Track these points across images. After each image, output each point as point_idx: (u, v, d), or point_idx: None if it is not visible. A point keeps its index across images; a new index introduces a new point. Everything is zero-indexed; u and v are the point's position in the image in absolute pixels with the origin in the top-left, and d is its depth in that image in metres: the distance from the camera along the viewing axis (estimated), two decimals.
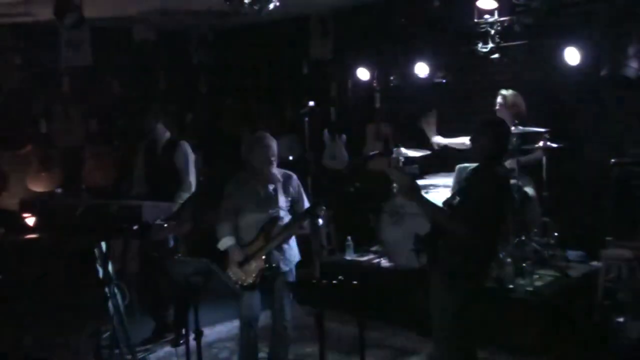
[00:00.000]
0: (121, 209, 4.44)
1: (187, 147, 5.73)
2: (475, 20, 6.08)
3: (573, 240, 5.99)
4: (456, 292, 3.81)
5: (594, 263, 5.70)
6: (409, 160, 6.18)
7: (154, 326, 5.77)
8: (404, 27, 6.72)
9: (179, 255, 5.46)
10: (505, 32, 5.99)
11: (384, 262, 6.21)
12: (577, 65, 5.68)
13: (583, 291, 5.45)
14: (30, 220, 5.68)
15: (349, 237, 6.73)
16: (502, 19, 5.96)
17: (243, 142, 8.17)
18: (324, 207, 4.41)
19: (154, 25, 8.39)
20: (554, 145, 5.61)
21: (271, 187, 4.60)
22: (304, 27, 8.14)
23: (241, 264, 4.46)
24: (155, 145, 5.71)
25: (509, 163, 5.53)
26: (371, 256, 6.62)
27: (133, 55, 8.33)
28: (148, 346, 5.57)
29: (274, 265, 4.52)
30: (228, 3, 5.29)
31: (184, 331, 4.76)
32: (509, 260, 5.42)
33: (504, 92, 5.94)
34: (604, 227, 5.50)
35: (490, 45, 6.02)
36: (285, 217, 4.60)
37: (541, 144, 5.62)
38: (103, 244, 4.77)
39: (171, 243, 5.42)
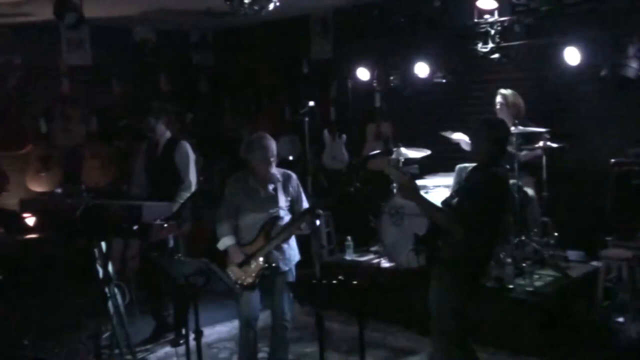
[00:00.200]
0: (121, 209, 4.45)
1: (187, 146, 5.73)
2: (475, 20, 6.08)
3: (573, 240, 5.99)
4: (456, 291, 3.81)
5: (594, 263, 5.70)
6: (409, 160, 6.17)
7: (154, 326, 5.77)
8: (404, 27, 6.72)
9: (179, 255, 5.45)
10: (505, 32, 5.99)
11: (384, 262, 6.21)
12: (577, 65, 5.68)
13: (583, 291, 5.45)
14: (30, 220, 5.68)
15: (349, 237, 6.73)
16: (502, 19, 5.96)
17: (243, 142, 8.21)
18: (322, 210, 4.43)
19: (154, 25, 8.40)
20: (554, 145, 5.61)
21: (271, 186, 4.60)
22: (304, 27, 8.14)
23: (241, 264, 4.46)
24: (155, 145, 5.71)
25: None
26: (371, 256, 6.62)
27: (133, 55, 8.34)
28: (148, 346, 5.57)
29: (273, 265, 4.52)
30: (228, 3, 5.29)
31: (184, 331, 4.76)
32: (509, 260, 5.42)
33: (504, 91, 5.94)
34: (604, 227, 5.50)
35: (490, 45, 6.02)
36: (285, 217, 4.60)
37: (541, 143, 5.62)
38: (103, 244, 4.77)
39: (171, 243, 5.41)
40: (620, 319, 5.01)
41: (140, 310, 5.79)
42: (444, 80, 6.61)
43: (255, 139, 4.61)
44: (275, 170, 4.63)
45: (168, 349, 5.55)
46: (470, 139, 3.94)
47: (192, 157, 5.71)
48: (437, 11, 6.27)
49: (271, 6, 5.26)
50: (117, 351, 4.84)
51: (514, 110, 5.85)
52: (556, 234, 5.79)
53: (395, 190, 6.08)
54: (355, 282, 3.37)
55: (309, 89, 7.81)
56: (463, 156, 5.60)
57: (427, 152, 6.19)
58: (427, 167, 6.52)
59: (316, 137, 7.55)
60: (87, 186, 7.39)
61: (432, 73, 6.60)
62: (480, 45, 6.08)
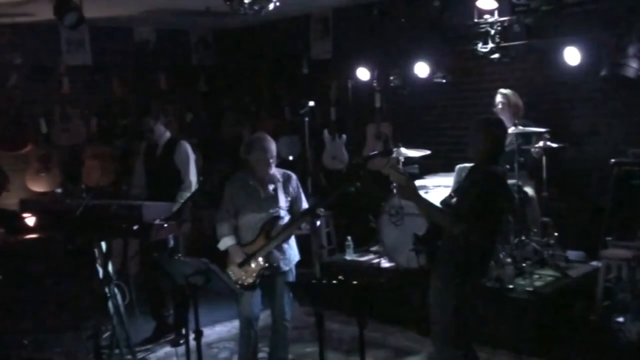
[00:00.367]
0: (121, 209, 4.45)
1: (187, 146, 5.73)
2: (475, 20, 6.08)
3: (573, 240, 5.99)
4: (456, 290, 3.81)
5: (594, 263, 5.69)
6: (409, 160, 6.17)
7: (155, 326, 5.77)
8: (404, 27, 6.72)
9: (179, 255, 5.45)
10: (505, 32, 5.99)
11: (384, 262, 6.21)
12: (577, 65, 5.68)
13: (583, 291, 5.44)
14: (30, 220, 5.67)
15: (349, 237, 6.73)
16: (502, 19, 5.96)
17: (243, 142, 8.21)
18: (324, 210, 4.43)
19: (154, 25, 8.40)
20: (554, 145, 5.61)
21: (271, 187, 4.60)
22: (304, 27, 8.14)
23: (241, 264, 4.46)
24: (155, 145, 5.71)
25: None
26: (371, 256, 6.62)
27: (133, 55, 8.34)
28: (148, 346, 5.58)
29: (274, 265, 4.53)
30: (228, 3, 5.29)
31: (184, 331, 4.75)
32: (509, 260, 5.42)
33: (504, 91, 5.94)
34: (604, 227, 5.50)
35: (490, 45, 6.02)
36: (286, 217, 4.60)
37: (541, 143, 5.62)
38: (103, 244, 4.77)
39: (171, 243, 5.41)
40: (620, 319, 5.00)
41: (140, 310, 5.79)
42: (444, 80, 6.61)
43: (255, 140, 4.61)
44: (275, 171, 4.63)
45: (168, 349, 5.55)
46: (469, 139, 3.94)
47: (192, 157, 5.71)
48: (437, 11, 6.27)
49: (271, 6, 5.26)
50: (117, 351, 4.84)
51: (514, 109, 5.86)
52: (556, 234, 5.79)
53: (394, 191, 6.07)
54: (355, 282, 3.36)
55: (309, 89, 7.82)
56: (463, 156, 5.60)
57: (427, 152, 6.19)
58: (427, 167, 6.52)
59: (316, 137, 7.55)
60: (87, 186, 7.40)
61: (432, 73, 6.60)
62: (480, 45, 6.08)
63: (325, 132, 7.70)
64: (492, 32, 5.99)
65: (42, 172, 7.46)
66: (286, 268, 4.61)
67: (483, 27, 6.04)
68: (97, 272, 4.76)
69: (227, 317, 6.04)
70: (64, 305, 6.13)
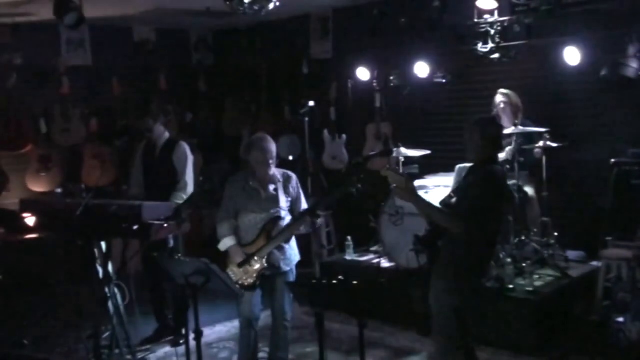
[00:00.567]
0: (121, 209, 4.45)
1: (186, 147, 5.72)
2: (475, 20, 6.08)
3: (573, 240, 5.99)
4: (456, 290, 3.81)
5: (594, 263, 5.69)
6: (409, 160, 6.17)
7: (157, 326, 5.77)
8: (404, 27, 6.72)
9: (179, 255, 5.45)
10: (505, 32, 5.99)
11: (384, 262, 6.21)
12: (577, 65, 5.68)
13: (583, 291, 5.45)
14: (30, 220, 5.66)
15: (349, 237, 6.73)
16: (502, 19, 5.96)
17: (243, 142, 8.21)
18: (323, 211, 4.43)
19: (154, 25, 8.40)
20: (554, 144, 5.61)
21: (272, 187, 4.60)
22: (304, 27, 8.14)
23: (241, 264, 4.46)
24: (153, 145, 5.70)
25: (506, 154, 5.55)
26: (371, 256, 6.62)
27: (133, 55, 8.34)
28: (148, 346, 5.57)
29: (274, 265, 4.53)
30: (228, 3, 5.28)
31: (184, 331, 4.75)
32: (509, 260, 5.42)
33: (505, 91, 5.94)
34: (604, 227, 5.50)
35: (490, 45, 6.02)
36: (286, 217, 4.60)
37: (541, 143, 5.62)
38: (103, 244, 4.77)
39: (171, 243, 5.41)
40: (620, 319, 5.00)
41: (140, 310, 5.79)
42: (444, 80, 6.61)
43: (255, 140, 4.61)
44: (276, 171, 4.63)
45: (168, 349, 5.55)
46: (465, 140, 3.95)
47: (190, 158, 5.69)
48: (437, 11, 6.27)
49: (271, 6, 5.26)
50: (117, 351, 4.84)
51: (515, 109, 5.87)
52: (556, 234, 5.79)
53: (394, 192, 6.07)
54: (355, 282, 3.36)
55: (309, 89, 7.81)
56: (463, 156, 5.60)
57: (427, 152, 6.19)
58: (427, 167, 6.52)
59: (316, 137, 7.55)
60: (87, 186, 7.40)
61: (432, 73, 6.60)
62: (480, 45, 6.07)
63: (325, 132, 7.70)
64: (492, 32, 5.98)
65: (42, 172, 7.46)
66: (287, 268, 4.61)
67: (483, 27, 6.04)
68: (97, 272, 4.76)
69: (227, 317, 6.04)
70: (64, 305, 6.14)
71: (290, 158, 7.60)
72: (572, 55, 5.65)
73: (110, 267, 4.75)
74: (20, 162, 7.45)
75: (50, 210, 4.93)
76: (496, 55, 6.05)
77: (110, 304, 4.73)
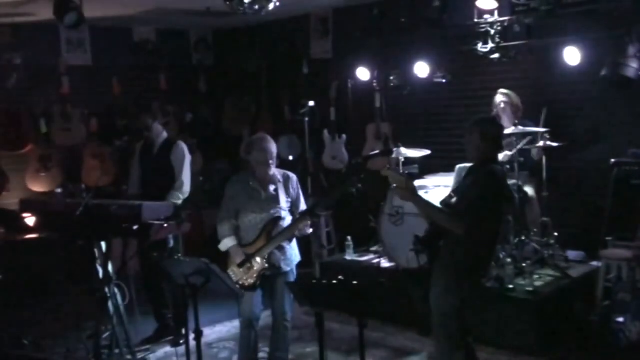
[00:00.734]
0: (121, 209, 4.45)
1: (184, 147, 5.72)
2: (475, 20, 6.08)
3: (573, 240, 5.99)
4: (456, 291, 3.82)
5: (594, 263, 5.69)
6: (409, 160, 6.17)
7: (157, 326, 5.77)
8: (404, 27, 6.72)
9: (179, 255, 5.45)
10: (505, 32, 5.99)
11: (384, 262, 6.21)
12: (577, 65, 5.68)
13: (583, 291, 5.45)
14: (30, 220, 5.67)
15: (349, 237, 6.73)
16: (502, 19, 5.96)
17: (243, 142, 8.22)
18: (324, 212, 4.43)
19: (154, 25, 8.40)
20: (554, 144, 5.61)
21: (272, 187, 4.60)
22: (304, 27, 8.14)
23: (241, 264, 4.46)
24: (151, 144, 5.70)
25: (505, 156, 5.55)
26: (371, 256, 6.61)
27: (133, 55, 8.34)
28: (148, 346, 5.57)
29: (275, 265, 4.52)
30: (228, 3, 5.28)
31: (184, 331, 4.75)
32: (509, 260, 5.42)
33: (505, 91, 5.94)
34: (604, 227, 5.50)
35: (490, 45, 6.01)
36: (287, 218, 4.60)
37: (541, 143, 5.62)
38: (103, 244, 4.77)
39: (171, 243, 5.41)
40: (620, 319, 5.00)
41: (140, 310, 5.79)
42: (444, 80, 6.60)
43: (256, 141, 4.61)
44: (276, 171, 4.63)
45: (168, 349, 5.55)
46: (465, 140, 3.95)
47: (188, 157, 5.69)
48: (437, 11, 6.27)
49: (271, 6, 5.26)
50: (117, 351, 4.84)
51: (515, 109, 5.87)
52: (556, 234, 5.79)
53: (394, 191, 6.07)
54: (355, 282, 3.36)
55: (309, 89, 7.81)
56: (463, 156, 5.60)
57: (427, 152, 6.19)
58: (427, 167, 6.52)
59: (316, 137, 7.55)
60: (87, 186, 7.40)
61: (432, 73, 6.60)
62: (480, 45, 6.07)
63: (325, 132, 7.70)
64: (492, 32, 5.98)
65: (42, 172, 7.46)
66: (287, 268, 4.61)
67: (483, 27, 6.04)
68: (97, 272, 4.76)
69: (227, 317, 6.04)
70: (64, 305, 6.15)
71: (290, 158, 7.60)
72: (572, 55, 5.65)
73: (110, 267, 4.75)
74: (20, 162, 7.46)
75: (50, 210, 4.93)
76: (496, 55, 6.05)
77: (110, 304, 4.73)
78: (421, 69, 6.60)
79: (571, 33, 5.69)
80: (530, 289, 5.24)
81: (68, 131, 7.65)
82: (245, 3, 5.19)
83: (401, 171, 5.61)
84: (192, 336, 3.97)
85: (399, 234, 5.84)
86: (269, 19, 7.62)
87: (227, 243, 4.55)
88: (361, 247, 6.81)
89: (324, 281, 3.63)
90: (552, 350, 5.00)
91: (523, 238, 5.69)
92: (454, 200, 3.90)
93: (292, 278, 4.61)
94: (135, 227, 4.32)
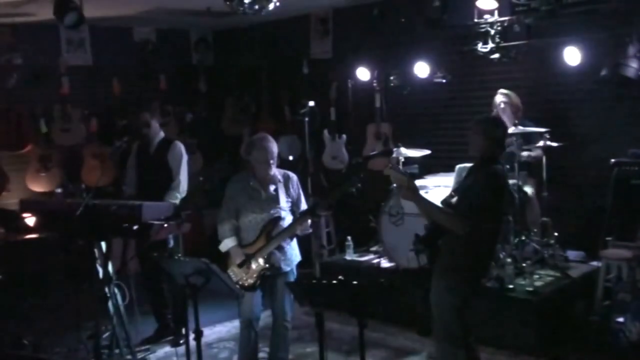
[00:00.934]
0: (121, 208, 4.44)
1: (181, 146, 5.72)
2: (475, 20, 6.07)
3: (573, 240, 5.99)
4: (457, 291, 3.82)
5: (594, 263, 5.69)
6: (409, 160, 6.17)
7: (157, 326, 5.77)
8: (404, 27, 6.72)
9: (179, 255, 5.45)
10: (505, 32, 5.98)
11: (384, 262, 6.21)
12: (577, 65, 5.68)
13: (583, 291, 5.45)
14: (30, 220, 5.66)
15: (349, 237, 6.73)
16: (502, 19, 5.95)
17: (243, 142, 8.22)
18: (324, 212, 4.43)
19: (154, 25, 8.40)
20: (554, 144, 5.61)
21: (272, 187, 4.60)
22: (304, 27, 8.14)
23: (241, 264, 4.46)
24: (148, 143, 5.69)
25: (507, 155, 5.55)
26: (371, 256, 6.61)
27: (133, 55, 8.34)
28: (148, 346, 5.57)
29: (275, 265, 4.52)
30: (228, 3, 5.28)
31: (184, 331, 4.75)
32: (509, 260, 5.42)
33: (505, 91, 5.94)
34: (604, 227, 5.50)
35: (490, 45, 6.02)
36: (287, 218, 4.60)
37: (541, 143, 5.62)
38: (103, 244, 4.77)
39: (171, 243, 5.41)
40: (620, 319, 5.00)
41: (140, 310, 5.78)
42: (444, 80, 6.60)
43: (256, 140, 4.61)
44: (276, 171, 4.63)
45: (168, 348, 5.55)
46: (469, 139, 3.95)
47: (185, 157, 5.69)
48: (437, 11, 6.26)
49: (271, 6, 5.26)
50: (117, 351, 4.84)
51: (515, 109, 5.87)
52: (556, 234, 5.79)
53: (395, 191, 6.07)
54: (355, 282, 3.36)
55: (309, 89, 7.81)
56: (463, 156, 5.60)
57: (427, 152, 6.19)
58: (427, 167, 6.52)
59: (316, 137, 7.55)
60: (87, 186, 7.40)
61: (432, 73, 6.60)
62: (480, 45, 6.08)
63: (325, 132, 7.70)
64: (492, 32, 5.98)
65: (42, 172, 7.46)
66: (287, 268, 4.61)
67: (483, 27, 6.04)
68: (97, 272, 4.75)
69: (227, 317, 6.04)
70: (64, 305, 6.14)
71: (290, 158, 7.60)
72: (572, 55, 5.65)
73: (110, 267, 4.75)
74: (20, 162, 7.46)
75: (50, 210, 4.93)
76: (496, 55, 6.05)
77: (110, 304, 4.73)
78: (421, 69, 6.60)
79: (571, 33, 5.69)
80: (530, 289, 5.24)
81: (68, 131, 7.66)
82: (245, 3, 5.19)
83: (402, 170, 5.61)
84: (192, 336, 3.97)
85: (399, 234, 5.84)
86: (269, 19, 7.62)
87: (227, 244, 4.55)
88: (361, 247, 6.81)
89: (324, 281, 3.63)
90: (552, 350, 5.00)
91: (523, 238, 5.69)
92: (454, 200, 3.91)
93: (292, 278, 4.61)
94: (135, 227, 4.32)
